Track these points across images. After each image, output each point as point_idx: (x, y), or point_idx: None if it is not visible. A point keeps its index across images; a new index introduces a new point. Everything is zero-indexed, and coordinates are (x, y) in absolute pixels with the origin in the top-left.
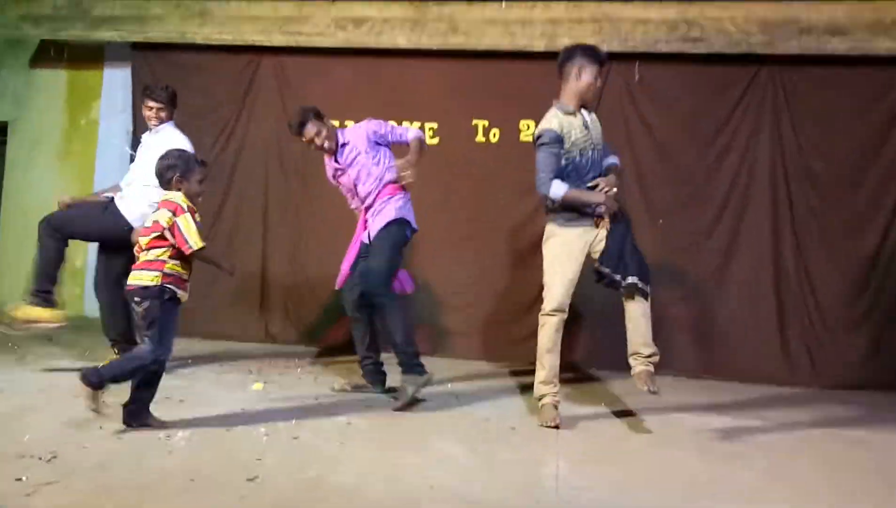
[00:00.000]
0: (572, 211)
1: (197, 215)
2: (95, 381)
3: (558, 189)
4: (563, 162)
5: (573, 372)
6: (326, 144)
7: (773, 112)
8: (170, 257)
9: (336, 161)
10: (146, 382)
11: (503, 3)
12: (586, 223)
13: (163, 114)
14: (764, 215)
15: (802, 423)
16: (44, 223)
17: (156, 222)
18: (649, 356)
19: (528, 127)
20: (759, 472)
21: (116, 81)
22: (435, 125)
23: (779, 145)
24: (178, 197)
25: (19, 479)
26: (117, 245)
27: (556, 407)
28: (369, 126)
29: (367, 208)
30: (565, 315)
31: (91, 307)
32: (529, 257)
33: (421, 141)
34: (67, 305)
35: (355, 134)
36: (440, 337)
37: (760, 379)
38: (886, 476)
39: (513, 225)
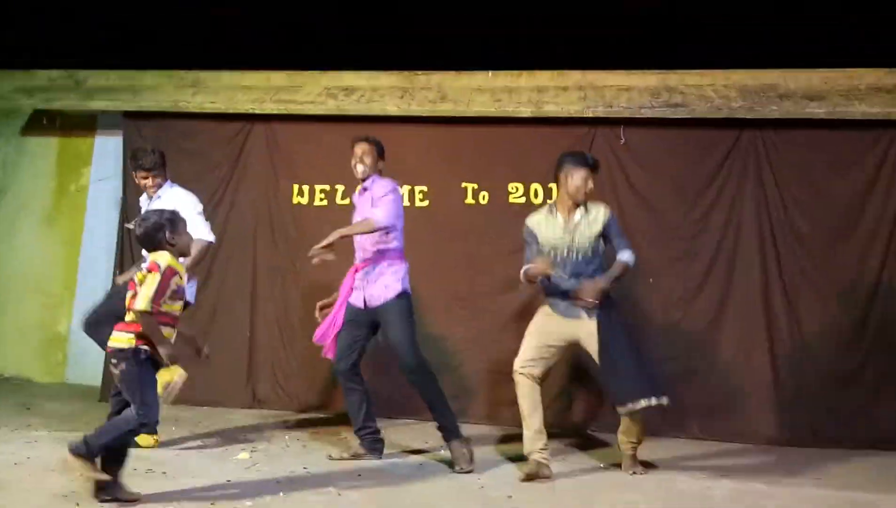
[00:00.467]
0: (556, 297)
1: (179, 279)
2: (84, 450)
3: (523, 269)
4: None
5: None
6: (360, 168)
7: (756, 173)
8: None
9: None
10: (115, 452)
11: (490, 73)
12: (575, 314)
13: (158, 179)
14: (753, 272)
15: (807, 485)
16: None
17: (132, 280)
18: (637, 442)
19: (517, 189)
20: None
21: (108, 148)
22: (425, 188)
23: (764, 205)
24: (164, 257)
25: None
26: None
27: (542, 463)
28: (382, 188)
29: (360, 267)
30: (535, 379)
31: (74, 375)
32: (521, 317)
33: (372, 226)
34: (49, 372)
35: (374, 185)
36: None
37: (756, 439)
38: None
39: (503, 286)
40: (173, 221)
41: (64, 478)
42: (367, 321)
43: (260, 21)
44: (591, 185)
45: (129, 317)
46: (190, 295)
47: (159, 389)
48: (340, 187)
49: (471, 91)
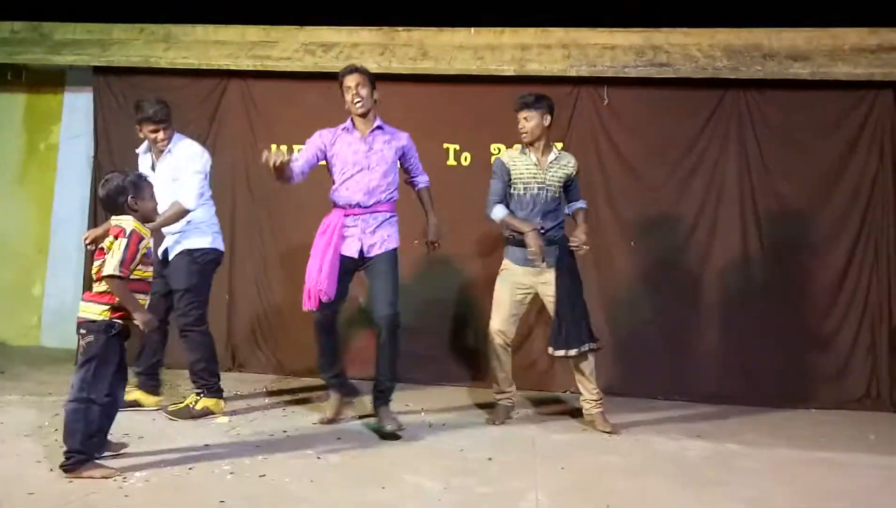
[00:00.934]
0: (519, 247)
1: (145, 242)
2: (73, 461)
3: (497, 213)
4: (509, 194)
5: (555, 398)
6: (360, 103)
7: (739, 135)
8: None
9: (359, 133)
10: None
11: (472, 29)
12: (531, 264)
13: (169, 132)
14: (733, 235)
15: (778, 446)
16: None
17: (101, 248)
18: (598, 400)
19: (499, 150)
20: (747, 503)
21: (77, 105)
22: None
23: (746, 167)
24: (128, 221)
25: None
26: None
27: (507, 410)
28: (410, 140)
29: (357, 213)
30: (507, 338)
31: (48, 337)
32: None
33: (430, 191)
34: (23, 334)
35: (395, 133)
36: (412, 363)
37: (730, 399)
38: (870, 504)
39: (486, 248)
40: (137, 185)
41: (38, 442)
42: (353, 270)
43: None
44: (529, 123)
45: (99, 287)
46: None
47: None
48: None
49: (452, 48)
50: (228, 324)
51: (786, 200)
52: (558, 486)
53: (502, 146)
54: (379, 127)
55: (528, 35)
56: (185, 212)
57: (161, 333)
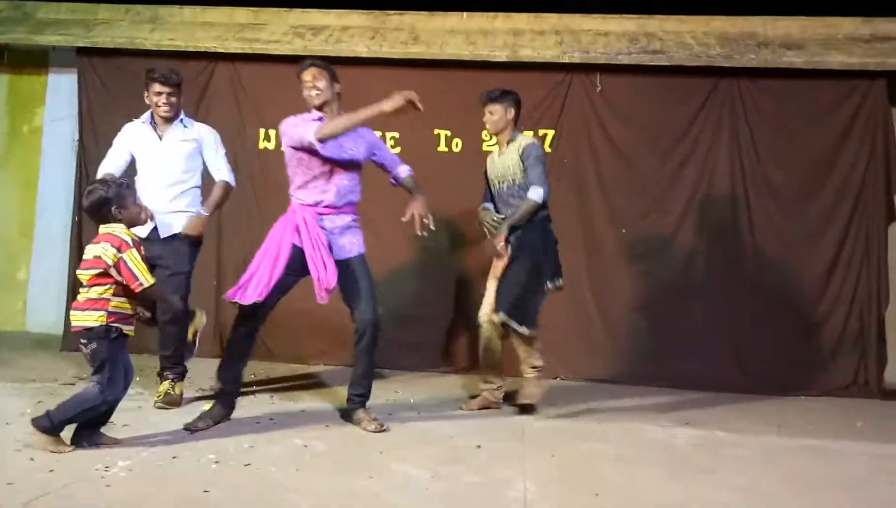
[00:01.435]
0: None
1: (142, 249)
2: (48, 426)
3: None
4: None
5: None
6: (317, 94)
7: (731, 123)
8: (113, 294)
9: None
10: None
11: (464, 14)
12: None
13: (178, 100)
14: (724, 224)
15: (768, 433)
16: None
17: (97, 257)
18: (527, 365)
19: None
20: (738, 491)
21: (62, 86)
22: (396, 134)
23: (738, 156)
24: (120, 230)
25: None
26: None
27: (491, 400)
28: (373, 133)
29: (325, 213)
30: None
31: (34, 323)
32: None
33: (414, 178)
34: (8, 320)
35: (362, 129)
36: (403, 351)
37: (719, 387)
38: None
39: (477, 236)
40: (120, 194)
41: (19, 430)
42: (305, 270)
43: None
44: (493, 117)
45: (88, 294)
46: None
47: (189, 335)
48: None
49: (444, 33)
50: (216, 309)
51: (777, 188)
52: (547, 474)
53: None
54: (318, 119)
55: (521, 20)
56: (231, 190)
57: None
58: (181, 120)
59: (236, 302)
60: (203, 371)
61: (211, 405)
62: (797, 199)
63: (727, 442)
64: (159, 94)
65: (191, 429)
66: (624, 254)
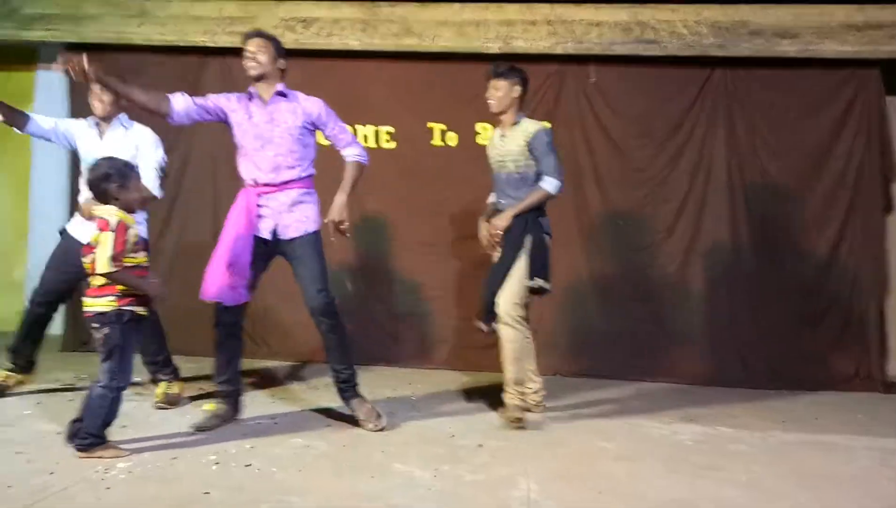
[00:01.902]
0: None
1: (132, 231)
2: (89, 442)
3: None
4: None
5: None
6: (256, 66)
7: (727, 114)
8: None
9: (260, 102)
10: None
11: (456, 4)
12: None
13: (115, 100)
14: (722, 215)
15: (772, 429)
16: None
17: (88, 244)
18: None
19: (485, 129)
20: (743, 488)
21: (52, 83)
22: (391, 129)
23: (734, 147)
24: (110, 211)
25: None
26: None
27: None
28: (323, 107)
29: (266, 191)
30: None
31: None
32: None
33: (361, 164)
34: (6, 321)
35: (303, 99)
36: (402, 347)
37: (721, 381)
38: (868, 488)
39: (472, 230)
40: (124, 174)
41: (19, 432)
42: (266, 255)
43: None
44: (497, 93)
45: (97, 281)
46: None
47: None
48: None
49: (436, 25)
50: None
51: (774, 179)
52: (550, 473)
53: (488, 126)
54: (281, 94)
55: (513, 11)
56: (153, 199)
57: (48, 321)
58: (123, 125)
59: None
60: (203, 370)
61: (213, 405)
62: (794, 189)
63: (731, 438)
64: (103, 94)
65: (200, 429)
66: (622, 247)
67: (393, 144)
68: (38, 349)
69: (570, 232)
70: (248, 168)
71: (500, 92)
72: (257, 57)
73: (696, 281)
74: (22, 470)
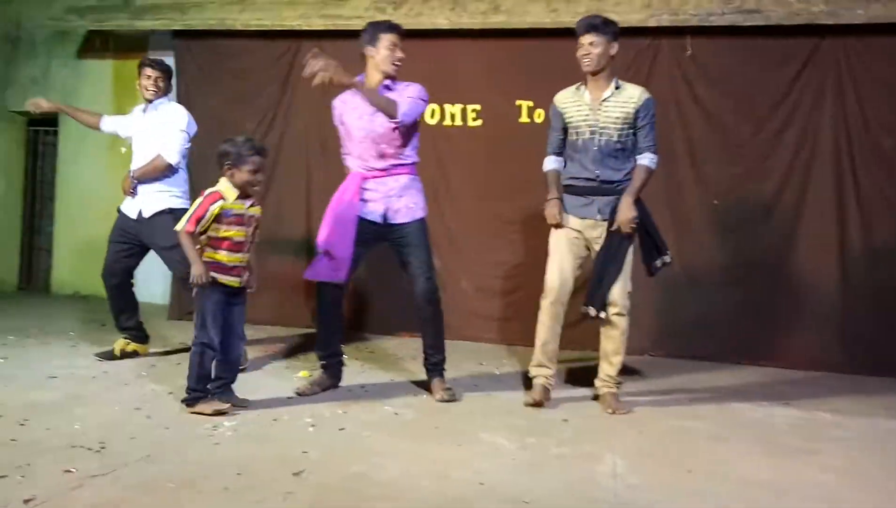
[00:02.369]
0: (583, 197)
1: (222, 204)
2: (191, 397)
3: (545, 164)
4: (567, 141)
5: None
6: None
7: (836, 87)
8: (207, 245)
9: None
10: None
11: None
12: (590, 215)
13: (161, 84)
14: (827, 194)
15: (876, 416)
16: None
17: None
18: (607, 381)
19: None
20: (838, 473)
21: None
22: (478, 107)
23: (843, 122)
24: (219, 185)
25: (68, 471)
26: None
27: (546, 388)
28: (422, 92)
29: (375, 176)
30: (561, 302)
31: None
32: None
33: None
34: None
35: (402, 87)
36: (485, 323)
37: (822, 366)
38: None
39: None
40: (239, 155)
41: (136, 391)
42: (374, 238)
43: None
44: (595, 50)
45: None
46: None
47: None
48: None
49: (525, 1)
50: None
51: (888, 156)
52: (637, 450)
53: None
54: (386, 86)
55: None
56: (168, 166)
57: (130, 292)
58: (155, 106)
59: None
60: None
61: (307, 372)
62: None
63: (829, 423)
64: (152, 78)
65: (300, 394)
66: (716, 226)
67: (479, 122)
68: (135, 317)
69: (661, 211)
70: (355, 158)
71: (599, 49)
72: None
73: (796, 263)
74: (142, 424)
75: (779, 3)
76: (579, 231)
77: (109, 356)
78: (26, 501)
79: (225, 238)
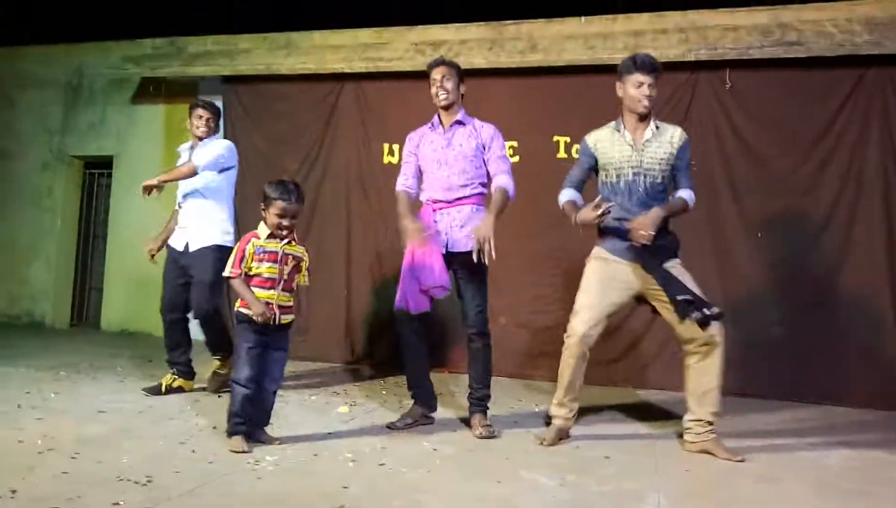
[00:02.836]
0: (618, 239)
1: (256, 242)
2: (227, 430)
3: (561, 196)
4: (601, 182)
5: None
6: (443, 95)
7: (882, 117)
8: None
9: (441, 126)
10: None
11: (582, 18)
12: (632, 257)
13: (211, 124)
14: (875, 227)
15: None
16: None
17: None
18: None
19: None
20: None
21: None
22: (515, 143)
23: (891, 153)
24: (260, 227)
25: (116, 504)
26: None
27: (560, 432)
28: (497, 134)
29: (441, 207)
30: (586, 346)
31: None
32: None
33: (507, 193)
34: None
35: (480, 127)
36: (525, 359)
37: (875, 404)
38: None
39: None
40: (267, 197)
41: (181, 425)
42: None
43: None
44: (651, 92)
45: None
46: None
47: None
48: None
49: (562, 39)
50: (346, 318)
51: None
52: (682, 489)
53: None
54: (459, 122)
55: (642, 21)
56: (193, 171)
57: (186, 328)
58: (204, 143)
59: (404, 310)
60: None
61: (347, 408)
62: None
63: (886, 462)
64: (204, 118)
65: (391, 427)
66: (759, 260)
67: (516, 158)
68: (188, 353)
69: (702, 246)
70: (427, 190)
71: (656, 91)
72: (445, 85)
73: (845, 297)
74: (187, 458)
75: (821, 35)
76: (624, 276)
77: (157, 391)
78: None
79: (256, 275)
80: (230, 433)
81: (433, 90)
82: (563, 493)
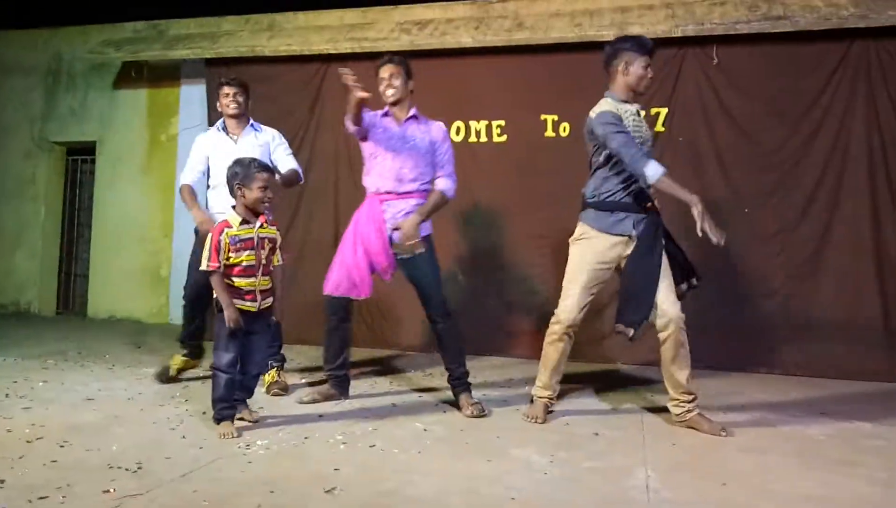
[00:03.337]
0: (615, 213)
1: (229, 232)
2: (214, 417)
3: (657, 170)
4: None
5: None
6: (391, 92)
7: (868, 90)
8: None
9: (394, 120)
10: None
11: None
12: (625, 233)
13: (240, 98)
14: (862, 200)
15: None
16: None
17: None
18: (683, 397)
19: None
20: (881, 485)
21: (193, 97)
22: (502, 122)
23: (876, 126)
24: (230, 213)
25: (107, 491)
26: None
27: (546, 408)
28: (446, 136)
29: (388, 198)
30: (572, 330)
31: (176, 316)
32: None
33: (444, 195)
34: (153, 313)
35: (432, 125)
36: (515, 338)
37: (861, 375)
38: None
39: None
40: (247, 174)
41: (171, 412)
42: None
43: None
44: (651, 73)
45: None
46: None
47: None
48: None
49: (548, 17)
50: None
51: None
52: (669, 463)
53: None
54: (414, 117)
55: None
56: (298, 182)
57: (204, 309)
58: (252, 125)
59: (335, 296)
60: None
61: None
62: None
63: (869, 433)
64: (238, 96)
65: (302, 403)
66: (748, 236)
67: (504, 138)
68: (202, 336)
69: (690, 221)
70: (374, 178)
71: (652, 71)
72: (393, 82)
73: (833, 270)
74: (177, 444)
75: (806, 9)
76: (609, 253)
77: (167, 376)
78: None
79: (235, 264)
80: (218, 420)
81: (381, 88)
82: (553, 470)
